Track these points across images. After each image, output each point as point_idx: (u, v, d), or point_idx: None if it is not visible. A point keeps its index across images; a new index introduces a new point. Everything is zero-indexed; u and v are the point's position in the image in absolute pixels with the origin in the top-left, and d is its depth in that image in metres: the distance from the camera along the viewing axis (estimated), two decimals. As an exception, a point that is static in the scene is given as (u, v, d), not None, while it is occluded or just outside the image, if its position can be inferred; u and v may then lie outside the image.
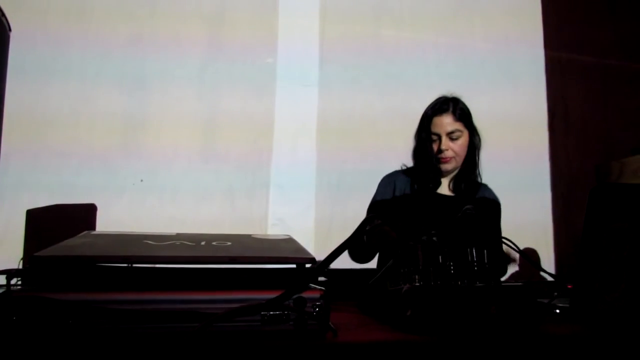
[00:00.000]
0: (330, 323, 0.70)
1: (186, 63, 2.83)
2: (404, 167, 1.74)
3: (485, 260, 0.80)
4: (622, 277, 0.82)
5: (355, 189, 2.85)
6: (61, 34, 2.68)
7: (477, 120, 3.18)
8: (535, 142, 3.36)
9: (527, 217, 3.21)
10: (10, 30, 1.35)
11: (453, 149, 1.61)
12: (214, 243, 0.80)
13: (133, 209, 2.63)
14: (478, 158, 1.71)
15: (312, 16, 3.04)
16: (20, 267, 0.71)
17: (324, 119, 2.94)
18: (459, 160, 1.64)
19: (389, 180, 1.72)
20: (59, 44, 2.66)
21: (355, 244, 1.52)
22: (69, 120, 2.62)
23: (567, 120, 3.51)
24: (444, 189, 1.70)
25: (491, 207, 1.73)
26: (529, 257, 0.89)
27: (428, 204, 1.61)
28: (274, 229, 2.74)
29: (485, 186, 1.77)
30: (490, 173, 3.12)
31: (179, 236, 0.85)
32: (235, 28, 2.93)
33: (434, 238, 0.79)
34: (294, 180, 2.85)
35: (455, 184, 1.69)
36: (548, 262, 3.19)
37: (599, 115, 3.56)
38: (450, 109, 1.64)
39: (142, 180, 2.68)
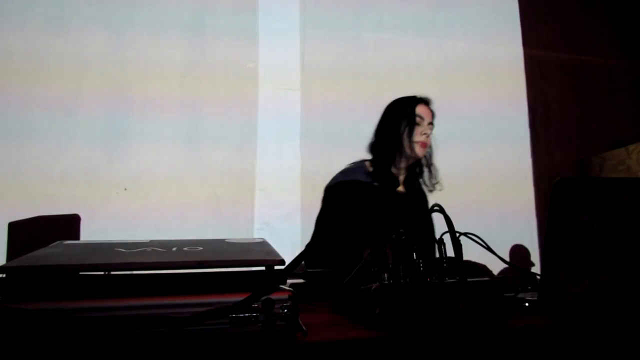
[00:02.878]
0: (300, 323, 0.71)
1: (167, 69, 2.84)
2: (353, 164, 1.73)
3: (455, 257, 0.82)
4: (587, 269, 0.84)
5: (341, 191, 2.87)
6: (39, 45, 2.67)
7: (459, 120, 3.23)
8: (517, 139, 3.41)
9: (512, 213, 3.26)
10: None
11: (429, 139, 1.67)
12: (185, 249, 0.81)
13: (117, 218, 2.62)
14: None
15: (292, 20, 3.07)
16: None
17: (307, 122, 2.96)
18: (427, 152, 1.70)
19: (346, 174, 1.70)
20: (38, 55, 2.65)
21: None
22: (49, 131, 2.61)
23: (548, 117, 3.57)
24: (400, 187, 1.73)
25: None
26: (494, 251, 0.91)
27: (390, 201, 1.63)
28: (260, 233, 2.75)
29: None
30: (474, 172, 3.17)
31: (151, 243, 0.85)
32: (215, 34, 2.94)
33: (403, 237, 0.81)
34: (279, 184, 2.87)
35: (407, 183, 1.72)
36: (533, 256, 3.24)
37: (578, 112, 3.63)
38: (430, 105, 1.71)
39: (125, 189, 2.67)
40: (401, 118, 1.67)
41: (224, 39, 2.93)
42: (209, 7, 2.96)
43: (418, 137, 1.65)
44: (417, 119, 1.65)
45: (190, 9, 2.94)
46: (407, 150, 1.66)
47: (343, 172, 1.72)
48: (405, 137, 1.64)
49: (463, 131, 3.21)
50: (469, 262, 1.11)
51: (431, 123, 1.68)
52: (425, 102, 1.71)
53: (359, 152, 3.01)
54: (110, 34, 2.79)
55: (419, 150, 1.65)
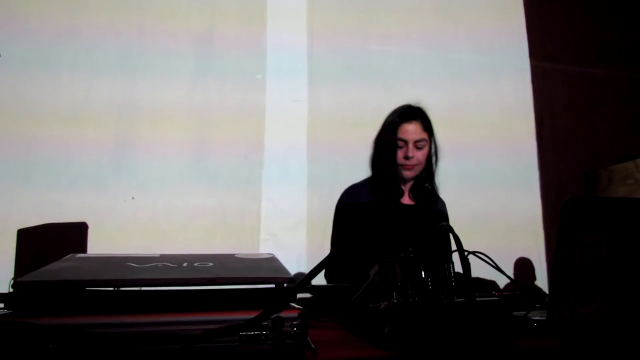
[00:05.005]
0: (309, 341, 0.71)
1: (176, 80, 2.86)
2: (360, 181, 1.77)
3: (464, 276, 0.82)
4: (596, 290, 0.84)
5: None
6: (50, 57, 2.71)
7: (465, 131, 3.23)
8: (524, 151, 3.40)
9: (518, 226, 3.24)
10: (-1, 55, 1.38)
11: (417, 157, 1.66)
12: (195, 264, 0.81)
13: (125, 226, 2.64)
14: (436, 168, 1.74)
15: (300, 32, 3.09)
16: (11, 287, 0.72)
17: (314, 134, 2.97)
18: (420, 169, 1.69)
19: (351, 192, 1.74)
20: (49, 66, 2.69)
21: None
22: (59, 140, 2.64)
23: (555, 128, 3.56)
24: (405, 197, 1.73)
25: (441, 218, 1.76)
26: (503, 270, 0.91)
27: (392, 214, 1.64)
28: (265, 244, 2.75)
29: (439, 198, 1.80)
30: (480, 183, 3.16)
31: (162, 257, 0.86)
32: (224, 45, 2.97)
33: (412, 255, 0.81)
34: (285, 195, 2.87)
35: (414, 193, 1.73)
36: (540, 269, 3.22)
37: (586, 123, 3.62)
38: (419, 118, 1.68)
39: (133, 198, 2.69)
40: (387, 139, 1.68)
41: (233, 50, 2.95)
42: (218, 18, 2.99)
43: (401, 160, 1.65)
44: (400, 143, 1.65)
45: (200, 20, 2.97)
46: (397, 171, 1.68)
47: (346, 192, 1.76)
48: (394, 158, 1.66)
49: (469, 142, 3.21)
50: (477, 279, 1.12)
51: (421, 140, 1.66)
52: (411, 118, 1.67)
53: (366, 163, 3.02)
54: (120, 43, 2.82)
55: (404, 173, 1.67)
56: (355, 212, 1.66)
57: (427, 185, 1.73)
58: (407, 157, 1.64)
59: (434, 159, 1.72)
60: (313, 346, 0.70)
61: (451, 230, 0.84)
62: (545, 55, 3.59)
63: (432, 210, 1.73)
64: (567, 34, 3.68)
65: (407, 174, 1.67)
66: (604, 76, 3.71)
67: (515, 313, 0.86)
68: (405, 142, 1.65)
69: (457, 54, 3.33)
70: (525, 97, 3.46)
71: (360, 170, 2.96)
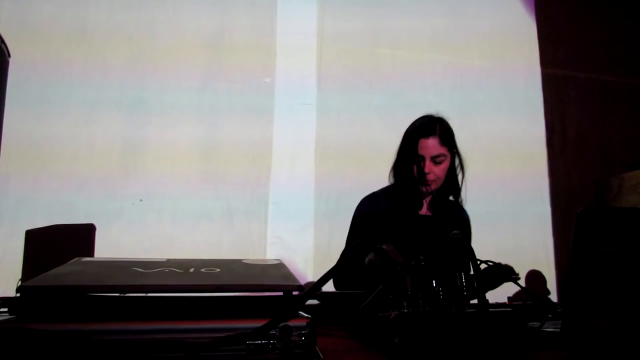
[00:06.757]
0: (317, 350, 0.70)
1: (185, 84, 2.87)
2: (380, 189, 1.74)
3: (475, 285, 0.80)
4: (613, 302, 0.81)
5: (354, 207, 2.85)
6: (62, 58, 2.72)
7: (475, 138, 3.20)
8: (534, 158, 3.37)
9: (528, 234, 3.20)
10: (9, 56, 1.38)
11: (435, 173, 1.61)
12: (202, 270, 0.80)
13: (132, 229, 2.64)
14: (461, 181, 1.70)
15: (309, 37, 3.09)
16: (16, 291, 0.71)
17: (322, 137, 2.96)
18: (439, 183, 1.65)
19: (370, 201, 1.71)
20: (60, 67, 2.71)
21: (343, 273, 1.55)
22: (68, 141, 2.65)
23: (565, 136, 3.53)
24: (424, 209, 1.71)
25: (464, 227, 1.74)
26: (519, 283, 0.89)
27: (409, 224, 1.62)
28: (272, 248, 2.74)
29: (461, 207, 1.77)
30: (489, 190, 3.13)
31: (168, 262, 0.85)
32: (233, 49, 2.97)
33: (423, 263, 0.79)
34: (293, 199, 2.86)
35: (433, 205, 1.70)
36: (549, 277, 3.18)
37: (596, 131, 3.58)
38: (437, 132, 1.62)
39: (141, 200, 2.69)
40: (406, 153, 1.64)
41: (242, 54, 2.96)
42: (228, 23, 3.00)
43: (421, 174, 1.62)
44: (419, 157, 1.63)
45: (209, 24, 2.98)
46: (416, 185, 1.65)
47: (365, 200, 1.73)
48: (412, 172, 1.63)
49: (479, 150, 3.17)
50: (495, 265, 1.10)
51: (439, 156, 1.62)
52: (429, 133, 1.62)
53: (373, 167, 3.00)
54: (131, 47, 2.84)
55: (422, 188, 1.64)
56: (372, 221, 1.64)
57: (450, 197, 1.70)
58: (424, 173, 1.61)
59: (458, 171, 1.68)
60: (321, 356, 0.69)
61: (463, 239, 0.82)
62: (556, 62, 3.56)
63: (450, 220, 1.70)
64: (578, 41, 3.65)
65: (425, 188, 1.64)
66: (614, 83, 3.67)
67: (530, 323, 0.83)
68: (422, 157, 1.61)
69: (468, 61, 3.31)
70: (535, 104, 3.43)
71: (366, 173, 2.96)
